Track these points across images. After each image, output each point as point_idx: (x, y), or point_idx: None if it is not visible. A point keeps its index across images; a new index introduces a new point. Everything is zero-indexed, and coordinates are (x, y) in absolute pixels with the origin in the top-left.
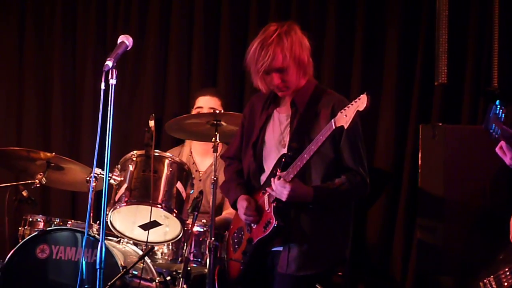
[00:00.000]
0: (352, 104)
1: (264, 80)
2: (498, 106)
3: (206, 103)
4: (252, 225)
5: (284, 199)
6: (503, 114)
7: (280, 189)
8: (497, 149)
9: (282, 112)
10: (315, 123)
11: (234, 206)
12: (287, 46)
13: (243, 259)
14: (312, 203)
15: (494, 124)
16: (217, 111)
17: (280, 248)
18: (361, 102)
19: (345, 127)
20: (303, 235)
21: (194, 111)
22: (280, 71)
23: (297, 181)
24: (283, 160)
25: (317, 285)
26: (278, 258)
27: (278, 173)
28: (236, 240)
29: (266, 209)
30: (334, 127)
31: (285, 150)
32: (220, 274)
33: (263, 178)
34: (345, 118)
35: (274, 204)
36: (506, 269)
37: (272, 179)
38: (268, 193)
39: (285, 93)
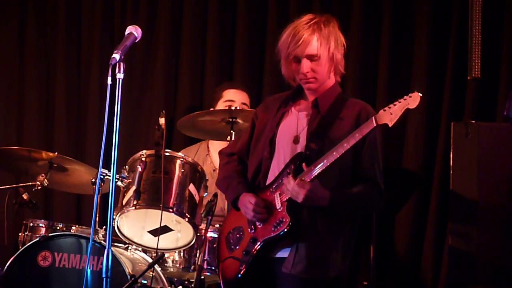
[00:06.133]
0: (399, 102)
1: (293, 68)
2: None
3: (238, 98)
4: (258, 224)
5: (300, 200)
6: None
7: (298, 189)
8: None
9: (301, 110)
10: (337, 126)
11: (234, 204)
12: (324, 35)
13: (243, 258)
14: (327, 208)
15: None
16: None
17: (286, 254)
18: (412, 100)
19: (390, 125)
20: (315, 237)
21: (221, 104)
22: (312, 58)
23: (317, 182)
24: (299, 158)
25: None
26: (283, 262)
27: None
28: (232, 240)
29: (278, 207)
30: (375, 124)
31: (297, 147)
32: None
33: (272, 173)
34: (390, 115)
35: (288, 203)
36: None
37: (286, 177)
38: (279, 192)
39: (311, 85)
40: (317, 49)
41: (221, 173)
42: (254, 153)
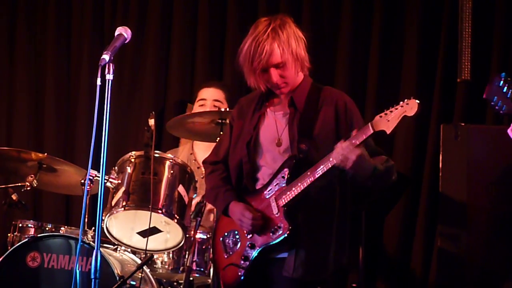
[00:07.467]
0: (396, 108)
1: (261, 79)
2: (503, 79)
3: (210, 95)
4: None
5: (350, 164)
6: (509, 90)
7: (348, 152)
8: (509, 130)
9: (278, 110)
10: (316, 122)
11: (224, 212)
12: (283, 40)
13: (242, 263)
14: (370, 178)
15: (496, 97)
16: (222, 108)
17: (285, 255)
18: (410, 108)
19: (388, 132)
20: (311, 240)
21: (196, 104)
22: (278, 66)
23: (364, 150)
24: (294, 162)
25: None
26: (283, 264)
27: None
28: (228, 244)
29: (275, 213)
30: (372, 131)
31: (280, 149)
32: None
33: (260, 176)
34: (387, 122)
35: (285, 209)
36: None
37: (340, 142)
38: (274, 196)
39: (284, 90)
40: (281, 56)
41: (207, 184)
42: (232, 156)
